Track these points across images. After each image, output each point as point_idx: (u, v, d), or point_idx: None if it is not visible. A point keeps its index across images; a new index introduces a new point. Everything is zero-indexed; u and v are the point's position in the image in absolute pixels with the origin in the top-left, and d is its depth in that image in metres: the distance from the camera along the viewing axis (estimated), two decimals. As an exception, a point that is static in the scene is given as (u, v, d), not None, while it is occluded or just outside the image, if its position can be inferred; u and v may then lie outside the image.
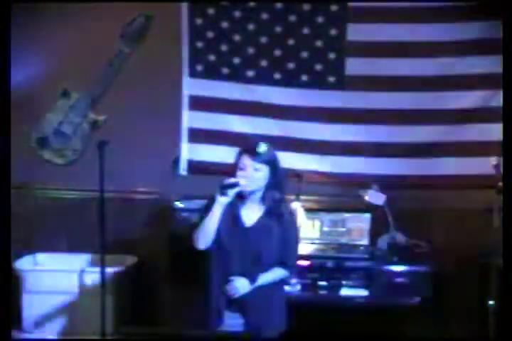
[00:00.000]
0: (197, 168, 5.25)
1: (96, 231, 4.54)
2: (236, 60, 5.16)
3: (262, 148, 3.60)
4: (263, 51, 5.14)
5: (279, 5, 5.08)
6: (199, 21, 5.14)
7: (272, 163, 3.64)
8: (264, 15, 5.10)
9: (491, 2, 4.68)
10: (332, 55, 5.07)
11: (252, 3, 5.10)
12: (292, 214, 3.84)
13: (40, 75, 5.29)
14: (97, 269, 4.58)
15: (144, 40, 5.19)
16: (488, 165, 4.36)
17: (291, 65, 5.13)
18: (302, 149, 5.15)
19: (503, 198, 3.45)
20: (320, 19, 5.05)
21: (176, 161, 5.27)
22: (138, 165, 5.27)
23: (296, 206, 4.67)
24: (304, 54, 5.10)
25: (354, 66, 5.04)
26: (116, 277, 4.94)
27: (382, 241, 4.84)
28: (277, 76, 5.14)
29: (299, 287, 4.54)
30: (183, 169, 5.28)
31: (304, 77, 5.12)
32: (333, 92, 5.08)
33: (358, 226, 4.91)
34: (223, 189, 3.55)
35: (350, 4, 5.00)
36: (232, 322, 3.62)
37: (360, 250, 4.80)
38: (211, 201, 3.61)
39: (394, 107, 5.02)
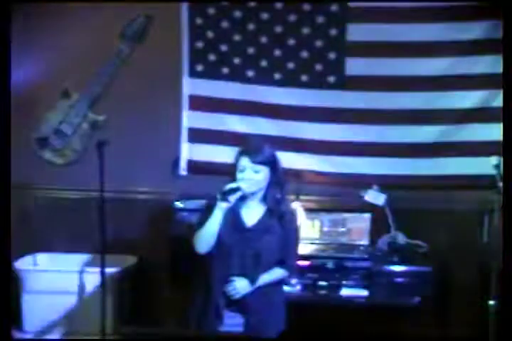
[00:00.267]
0: (197, 168, 5.25)
1: (96, 231, 4.55)
2: (236, 60, 5.15)
3: (261, 149, 3.59)
4: (263, 51, 5.13)
5: (279, 5, 5.07)
6: (199, 21, 5.14)
7: (272, 163, 3.62)
8: (264, 15, 5.09)
9: (490, 2, 4.68)
10: (332, 55, 5.07)
11: (252, 3, 5.09)
12: (293, 214, 3.83)
13: (40, 75, 5.28)
14: (97, 269, 4.57)
15: (144, 40, 5.19)
16: (488, 165, 4.36)
17: (291, 65, 5.12)
18: (302, 149, 5.14)
19: (503, 198, 3.45)
20: (320, 19, 5.04)
21: (176, 161, 5.27)
22: (138, 165, 5.27)
23: (296, 206, 4.67)
24: (304, 54, 5.10)
25: (354, 66, 5.03)
26: (116, 277, 4.95)
27: (382, 241, 4.85)
28: (277, 76, 5.14)
29: (299, 287, 4.55)
30: (183, 169, 5.27)
31: (304, 77, 5.12)
32: (333, 92, 5.07)
33: (358, 227, 4.91)
34: (225, 195, 3.51)
35: (350, 4, 5.00)
36: (232, 322, 3.61)
37: (360, 250, 4.80)
38: (210, 205, 3.58)
39: (394, 107, 5.01)
